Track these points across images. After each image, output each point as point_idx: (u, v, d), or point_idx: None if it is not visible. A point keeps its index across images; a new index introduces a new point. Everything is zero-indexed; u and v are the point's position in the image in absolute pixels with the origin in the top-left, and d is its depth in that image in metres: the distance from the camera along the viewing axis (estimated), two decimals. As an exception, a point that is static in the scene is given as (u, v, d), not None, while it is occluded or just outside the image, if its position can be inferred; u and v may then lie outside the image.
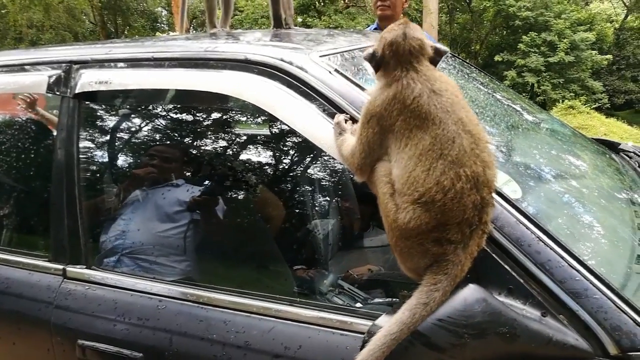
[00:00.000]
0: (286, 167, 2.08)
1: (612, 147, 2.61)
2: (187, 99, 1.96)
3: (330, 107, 1.39)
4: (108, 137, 2.07)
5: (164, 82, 1.68)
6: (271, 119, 1.92)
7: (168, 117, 2.12)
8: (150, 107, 2.09)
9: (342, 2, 23.54)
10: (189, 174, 2.05)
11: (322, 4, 23.46)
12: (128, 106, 2.08)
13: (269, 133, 2.13)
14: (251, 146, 2.16)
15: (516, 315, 1.11)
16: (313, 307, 1.40)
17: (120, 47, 1.90)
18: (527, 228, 1.20)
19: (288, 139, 2.02)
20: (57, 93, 1.74)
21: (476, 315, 1.09)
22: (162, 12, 29.87)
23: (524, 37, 20.43)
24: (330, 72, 1.44)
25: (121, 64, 1.70)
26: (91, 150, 1.97)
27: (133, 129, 2.18)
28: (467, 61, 3.03)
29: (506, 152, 1.86)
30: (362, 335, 1.18)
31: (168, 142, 2.11)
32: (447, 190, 1.11)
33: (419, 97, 1.15)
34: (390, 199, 1.19)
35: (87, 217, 1.72)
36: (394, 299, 1.48)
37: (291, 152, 2.06)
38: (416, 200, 1.13)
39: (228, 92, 1.55)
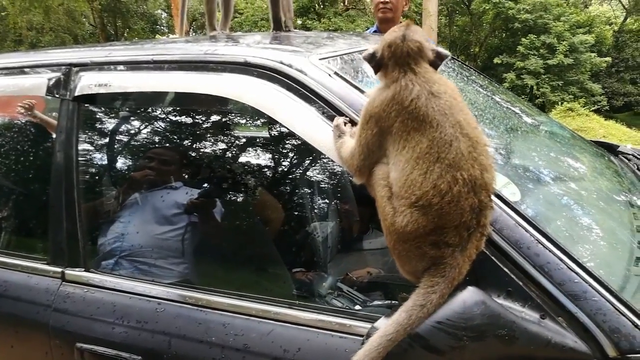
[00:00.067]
0: (285, 169, 2.08)
1: (611, 149, 2.61)
2: (186, 101, 1.96)
3: (330, 109, 1.39)
4: (107, 140, 2.07)
5: (164, 85, 1.68)
6: (270, 122, 1.92)
7: (167, 119, 2.12)
8: (150, 110, 2.09)
9: (342, 4, 23.59)
10: (187, 176, 2.04)
11: (321, 6, 23.50)
12: (127, 109, 2.08)
13: (268, 135, 2.13)
14: (250, 149, 2.16)
15: (515, 317, 1.11)
16: (312, 309, 1.40)
17: (120, 50, 1.90)
18: (526, 230, 1.20)
19: (287, 142, 2.02)
20: (57, 96, 1.74)
21: (475, 317, 1.09)
22: (161, 14, 29.93)
23: (523, 39, 20.49)
24: (329, 74, 1.44)
25: (121, 67, 1.70)
26: (90, 153, 1.97)
27: (132, 132, 2.18)
28: (467, 63, 3.03)
29: (505, 154, 1.86)
30: (361, 338, 1.18)
31: (167, 144, 2.11)
32: (444, 194, 1.11)
33: (417, 99, 1.15)
34: (388, 202, 1.19)
35: (85, 220, 1.72)
36: (393, 302, 1.48)
37: (290, 154, 2.06)
38: (413, 204, 1.13)
39: (228, 95, 1.55)
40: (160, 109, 2.06)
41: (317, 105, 1.41)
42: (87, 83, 1.70)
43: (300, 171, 2.01)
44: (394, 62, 1.21)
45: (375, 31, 3.64)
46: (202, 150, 2.13)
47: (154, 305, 1.52)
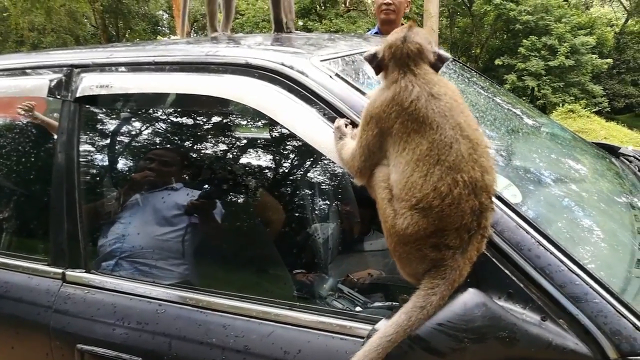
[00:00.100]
0: (286, 171, 2.08)
1: (612, 151, 2.61)
2: (187, 103, 1.96)
3: (331, 111, 1.39)
4: (108, 141, 2.08)
5: (165, 86, 1.68)
6: (271, 123, 1.92)
7: (168, 121, 2.12)
8: (151, 111, 2.09)
9: (343, 5, 23.61)
10: (188, 177, 2.05)
11: (323, 7, 23.52)
12: (129, 110, 2.08)
13: (269, 137, 2.13)
14: (251, 150, 2.16)
15: (516, 319, 1.11)
16: (313, 311, 1.40)
17: (122, 51, 1.90)
18: (527, 232, 1.20)
19: (288, 143, 2.02)
20: (58, 97, 1.75)
21: (476, 319, 1.09)
22: (163, 15, 29.97)
23: (524, 41, 20.48)
24: (331, 76, 1.44)
25: (122, 68, 1.70)
26: (91, 154, 1.97)
27: (134, 133, 2.19)
28: (468, 65, 3.03)
29: (506, 156, 1.86)
30: (362, 340, 1.18)
31: (168, 146, 2.11)
32: (445, 196, 1.11)
33: (416, 100, 1.15)
34: (389, 205, 1.19)
35: (86, 221, 1.72)
36: (394, 303, 1.48)
37: (291, 156, 2.06)
38: (414, 206, 1.13)
39: (229, 97, 1.55)
40: (161, 111, 2.07)
41: (318, 106, 1.41)
42: (88, 84, 1.70)
43: (301, 172, 2.01)
44: (394, 63, 1.22)
45: (376, 33, 3.64)
46: (203, 151, 2.13)
47: (155, 307, 1.52)
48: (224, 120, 2.07)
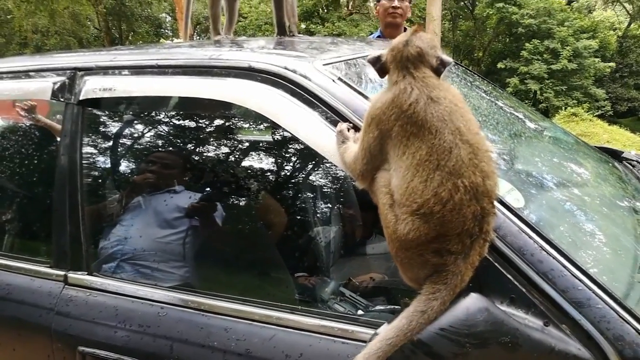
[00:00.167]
0: (288, 174, 2.09)
1: (615, 155, 2.60)
2: (190, 106, 1.97)
3: (334, 115, 1.39)
4: (111, 144, 2.08)
5: (168, 90, 1.68)
6: (273, 126, 1.92)
7: (171, 124, 2.13)
8: (154, 114, 2.10)
9: (346, 9, 23.65)
10: (189, 180, 2.05)
11: (325, 10, 23.56)
12: (132, 113, 2.09)
13: (271, 140, 2.13)
14: (254, 153, 2.17)
15: (518, 324, 1.10)
16: (314, 314, 1.39)
17: (125, 54, 1.91)
18: (530, 237, 1.20)
19: (290, 146, 2.03)
20: (62, 99, 1.75)
21: (478, 324, 1.09)
22: (166, 18, 30.08)
23: (526, 44, 20.49)
24: (333, 80, 1.44)
25: (125, 71, 1.71)
26: (94, 157, 1.97)
27: (136, 136, 2.19)
28: (470, 68, 3.03)
29: (509, 160, 1.85)
30: (364, 344, 1.18)
31: (170, 149, 2.12)
32: (446, 202, 1.10)
33: (415, 103, 1.14)
34: (390, 210, 1.19)
35: (89, 223, 1.73)
36: (396, 307, 1.48)
37: (294, 159, 2.06)
38: (415, 212, 1.13)
39: (232, 100, 1.56)
40: (164, 114, 2.07)
41: (320, 110, 1.41)
42: (91, 87, 1.70)
43: (304, 176, 2.01)
44: (395, 66, 1.22)
45: (379, 36, 3.65)
46: (205, 154, 2.13)
47: (157, 309, 1.52)
48: (227, 124, 2.08)
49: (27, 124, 2.18)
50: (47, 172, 1.85)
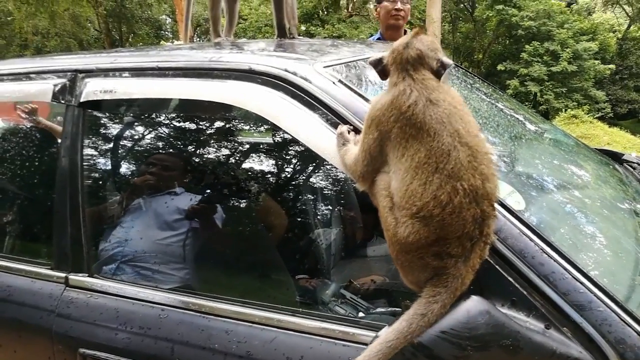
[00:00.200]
0: (289, 176, 2.09)
1: (616, 157, 2.61)
2: (191, 108, 1.97)
3: (334, 117, 1.39)
4: (112, 146, 2.08)
5: (169, 92, 1.69)
6: (274, 129, 1.92)
7: (172, 126, 2.13)
8: (154, 116, 2.10)
9: (346, 11, 23.68)
10: (190, 182, 2.05)
11: (325, 12, 23.58)
12: (132, 115, 2.09)
13: (271, 142, 2.13)
14: (254, 155, 2.17)
15: (520, 327, 1.10)
16: (315, 317, 1.39)
17: (125, 57, 1.91)
18: (531, 240, 1.20)
19: (291, 148, 2.03)
20: (62, 101, 1.75)
21: (479, 327, 1.08)
22: (166, 20, 30.11)
23: (526, 46, 20.51)
24: (334, 82, 1.44)
25: (126, 73, 1.71)
26: (95, 159, 1.97)
27: (137, 138, 2.19)
28: (470, 70, 3.04)
29: (509, 162, 1.86)
30: (365, 347, 1.18)
31: (170, 150, 2.12)
32: (445, 205, 1.10)
33: (414, 105, 1.14)
34: (390, 213, 1.18)
35: (90, 225, 1.73)
36: (397, 309, 1.48)
37: (294, 161, 2.06)
38: (414, 215, 1.13)
39: (232, 102, 1.56)
40: (164, 116, 2.07)
41: (321, 112, 1.41)
42: (92, 89, 1.70)
43: (304, 178, 2.01)
44: (395, 68, 1.22)
45: (379, 38, 3.64)
46: (205, 156, 2.13)
47: (157, 312, 1.52)
48: (227, 126, 2.08)
49: (28, 126, 2.18)
50: (48, 174, 1.85)
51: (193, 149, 2.19)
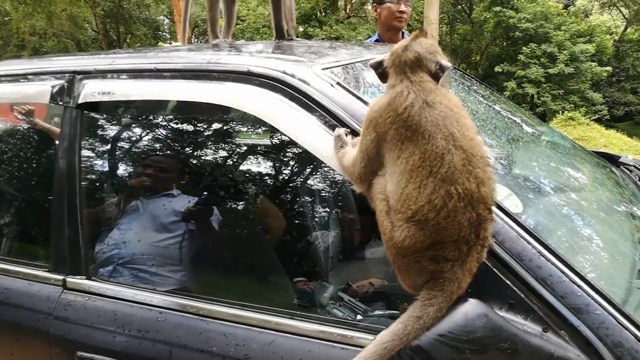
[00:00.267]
0: (287, 178, 2.09)
1: (612, 160, 2.61)
2: (189, 110, 1.96)
3: (332, 119, 1.40)
4: (110, 147, 2.08)
5: (167, 94, 1.68)
6: (272, 131, 1.92)
7: (170, 128, 2.13)
8: (152, 118, 2.10)
9: (344, 12, 23.70)
10: (186, 184, 2.05)
11: (323, 14, 23.60)
12: (130, 117, 2.09)
13: (269, 143, 2.13)
14: (252, 157, 2.17)
15: (517, 330, 1.10)
16: (313, 320, 1.39)
17: (124, 58, 1.91)
18: (528, 242, 1.20)
19: (289, 150, 2.03)
20: (60, 103, 1.75)
21: (477, 330, 1.09)
22: (164, 20, 30.08)
23: (524, 48, 20.58)
24: (332, 85, 1.45)
25: (124, 75, 1.70)
26: (93, 160, 1.97)
27: (135, 140, 2.19)
28: (468, 72, 3.04)
29: (507, 165, 1.86)
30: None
31: (168, 152, 2.12)
32: (440, 209, 1.09)
33: (410, 107, 1.14)
34: (386, 217, 1.18)
35: (87, 228, 1.72)
36: (396, 312, 1.48)
37: (292, 163, 2.06)
38: (410, 218, 1.13)
39: (230, 104, 1.56)
40: (162, 118, 2.07)
41: (319, 115, 1.41)
42: (90, 91, 1.70)
43: (302, 180, 2.01)
44: (394, 70, 1.23)
45: (377, 40, 3.64)
46: (203, 158, 2.13)
47: (155, 314, 1.51)
48: (225, 128, 2.08)
49: (26, 127, 2.17)
50: (45, 175, 1.85)
51: (191, 151, 2.19)
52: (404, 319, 1.14)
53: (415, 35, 1.25)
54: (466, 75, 2.77)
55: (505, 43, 23.78)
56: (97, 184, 2.02)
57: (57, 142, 1.80)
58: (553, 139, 2.61)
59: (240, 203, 1.97)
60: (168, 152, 2.12)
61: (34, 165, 2.12)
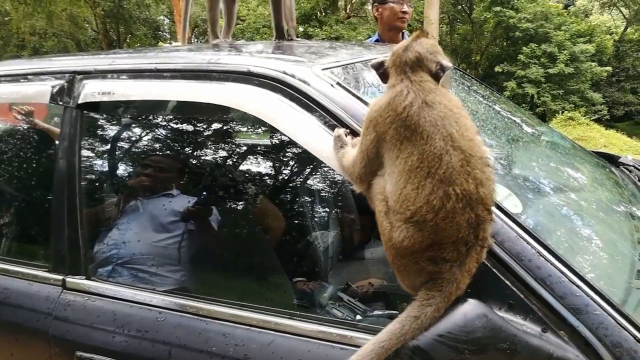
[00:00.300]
0: (286, 178, 2.09)
1: (612, 160, 2.61)
2: (189, 110, 1.96)
3: (332, 120, 1.40)
4: (110, 148, 2.08)
5: (167, 94, 1.68)
6: (272, 131, 1.92)
7: (169, 127, 2.13)
8: (152, 118, 2.10)
9: (344, 12, 23.70)
10: (186, 184, 2.05)
11: (323, 14, 23.60)
12: (130, 117, 2.09)
13: (269, 143, 2.13)
14: (252, 157, 2.17)
15: (517, 330, 1.11)
16: (313, 320, 1.39)
17: (124, 58, 1.91)
18: (528, 243, 1.20)
19: (289, 150, 2.03)
20: (60, 103, 1.75)
21: (476, 330, 1.09)
22: (164, 20, 30.08)
23: (524, 48, 20.58)
24: (332, 85, 1.45)
25: (124, 75, 1.70)
26: (93, 160, 1.97)
27: (135, 140, 2.19)
28: (468, 72, 3.04)
29: (506, 165, 1.86)
30: (362, 350, 1.18)
31: (167, 152, 2.12)
32: (438, 210, 1.09)
33: (409, 107, 1.14)
34: (385, 217, 1.18)
35: (87, 228, 1.72)
36: (395, 312, 1.48)
37: (292, 163, 2.06)
38: (408, 219, 1.12)
39: (230, 104, 1.56)
40: (162, 117, 2.07)
41: (319, 115, 1.41)
42: (90, 91, 1.70)
43: (302, 180, 2.01)
44: (394, 70, 1.23)
45: (377, 40, 3.64)
46: (203, 158, 2.13)
47: (155, 314, 1.51)
48: (225, 128, 2.08)
49: (26, 127, 2.17)
50: (45, 175, 1.85)
51: (191, 151, 2.19)
52: (401, 318, 1.14)
53: (416, 36, 1.25)
54: (466, 75, 2.77)
55: (505, 43, 23.78)
56: (97, 184, 2.02)
57: (57, 142, 1.80)
58: (553, 139, 2.61)
59: (240, 203, 1.97)
60: (168, 152, 2.12)
61: (34, 165, 2.12)
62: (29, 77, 1.88)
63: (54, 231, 1.72)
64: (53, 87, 1.76)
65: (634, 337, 1.10)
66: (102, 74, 1.73)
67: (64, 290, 1.66)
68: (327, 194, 1.93)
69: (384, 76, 1.27)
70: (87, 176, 1.88)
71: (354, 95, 1.44)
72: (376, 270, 1.78)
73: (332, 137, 1.37)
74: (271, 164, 2.15)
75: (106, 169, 2.07)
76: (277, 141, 2.05)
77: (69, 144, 1.73)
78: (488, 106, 2.46)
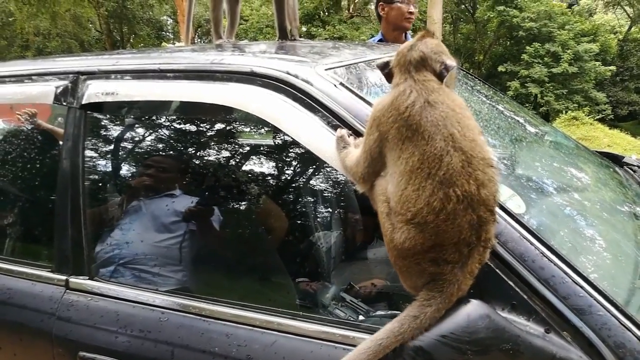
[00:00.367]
0: (289, 178, 2.09)
1: (616, 160, 2.60)
2: (192, 110, 1.97)
3: (335, 120, 1.40)
4: (113, 148, 2.08)
5: (170, 94, 1.69)
6: (275, 131, 1.92)
7: (172, 128, 2.13)
8: (156, 119, 2.10)
9: (347, 12, 23.70)
10: (188, 184, 2.05)
11: (326, 14, 23.60)
12: (134, 117, 2.09)
13: (272, 144, 2.14)
14: (255, 157, 2.17)
15: (520, 331, 1.10)
16: (316, 320, 1.39)
17: (127, 59, 1.91)
18: (531, 243, 1.20)
19: (292, 151, 2.03)
20: (64, 104, 1.75)
21: (479, 331, 1.08)
22: (167, 20, 30.15)
23: (527, 47, 20.52)
24: (335, 85, 1.45)
25: (128, 76, 1.71)
26: (96, 161, 1.98)
27: (138, 140, 2.19)
28: (471, 72, 3.04)
29: (510, 165, 1.86)
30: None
31: (170, 152, 2.12)
32: (439, 212, 1.09)
33: (411, 106, 1.13)
34: (387, 218, 1.18)
35: (91, 228, 1.73)
36: (397, 312, 1.48)
37: (295, 163, 2.06)
38: (409, 221, 1.12)
39: (234, 105, 1.56)
40: (166, 118, 2.07)
41: (322, 115, 1.41)
42: (94, 91, 1.71)
43: (305, 180, 2.01)
44: (398, 69, 1.23)
45: (380, 40, 3.63)
46: (205, 158, 2.13)
47: (158, 315, 1.52)
48: (228, 128, 2.08)
49: (30, 128, 2.18)
50: (49, 176, 1.85)
51: (194, 151, 2.19)
52: (401, 317, 1.14)
53: (421, 35, 1.25)
54: (469, 75, 2.76)
55: (508, 42, 23.72)
56: (101, 184, 2.03)
57: (60, 142, 1.81)
58: (556, 139, 2.60)
59: (243, 203, 1.97)
60: (171, 152, 2.13)
61: (38, 165, 2.12)
62: (33, 77, 1.88)
63: (58, 231, 1.72)
64: (57, 87, 1.77)
65: (638, 338, 1.10)
66: (105, 74, 1.73)
67: (67, 291, 1.66)
68: (329, 194, 1.93)
69: (389, 76, 1.27)
70: (91, 176, 1.89)
71: (357, 95, 1.44)
72: (379, 271, 1.78)
73: (334, 137, 1.37)
74: (274, 164, 2.15)
75: (110, 169, 2.08)
76: (280, 141, 2.06)
77: (72, 145, 1.73)
78: (491, 106, 2.45)
